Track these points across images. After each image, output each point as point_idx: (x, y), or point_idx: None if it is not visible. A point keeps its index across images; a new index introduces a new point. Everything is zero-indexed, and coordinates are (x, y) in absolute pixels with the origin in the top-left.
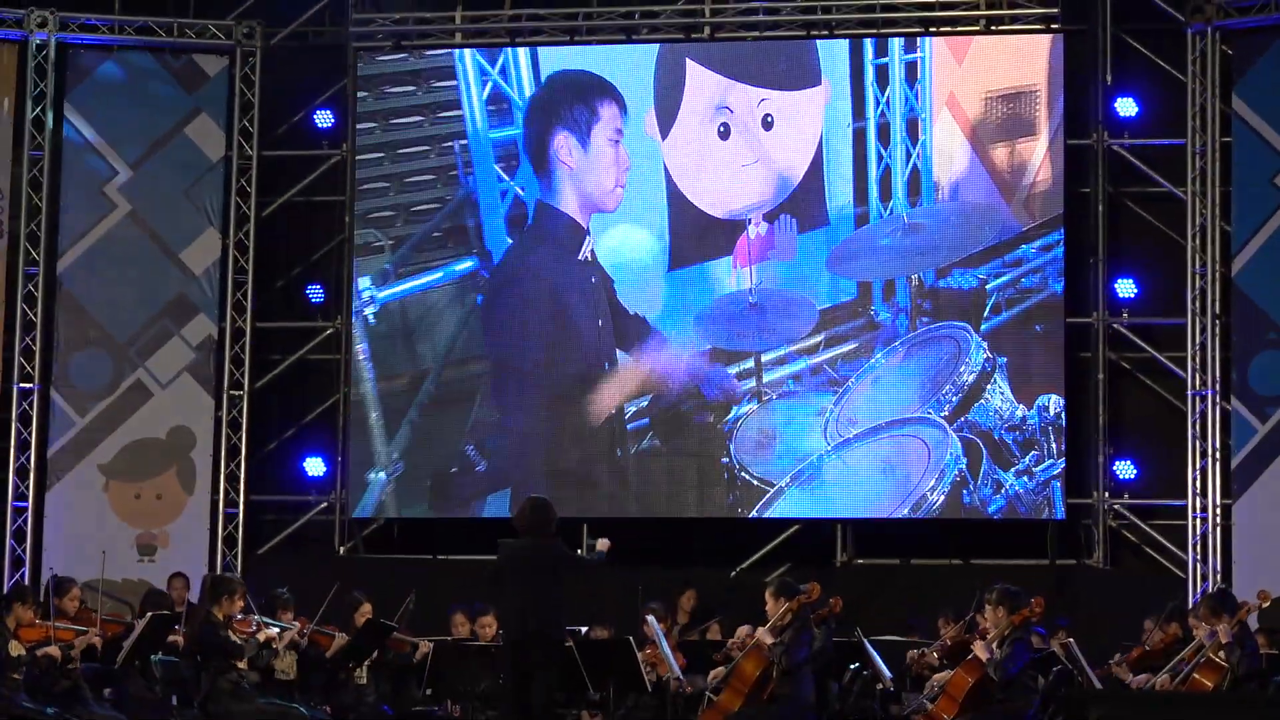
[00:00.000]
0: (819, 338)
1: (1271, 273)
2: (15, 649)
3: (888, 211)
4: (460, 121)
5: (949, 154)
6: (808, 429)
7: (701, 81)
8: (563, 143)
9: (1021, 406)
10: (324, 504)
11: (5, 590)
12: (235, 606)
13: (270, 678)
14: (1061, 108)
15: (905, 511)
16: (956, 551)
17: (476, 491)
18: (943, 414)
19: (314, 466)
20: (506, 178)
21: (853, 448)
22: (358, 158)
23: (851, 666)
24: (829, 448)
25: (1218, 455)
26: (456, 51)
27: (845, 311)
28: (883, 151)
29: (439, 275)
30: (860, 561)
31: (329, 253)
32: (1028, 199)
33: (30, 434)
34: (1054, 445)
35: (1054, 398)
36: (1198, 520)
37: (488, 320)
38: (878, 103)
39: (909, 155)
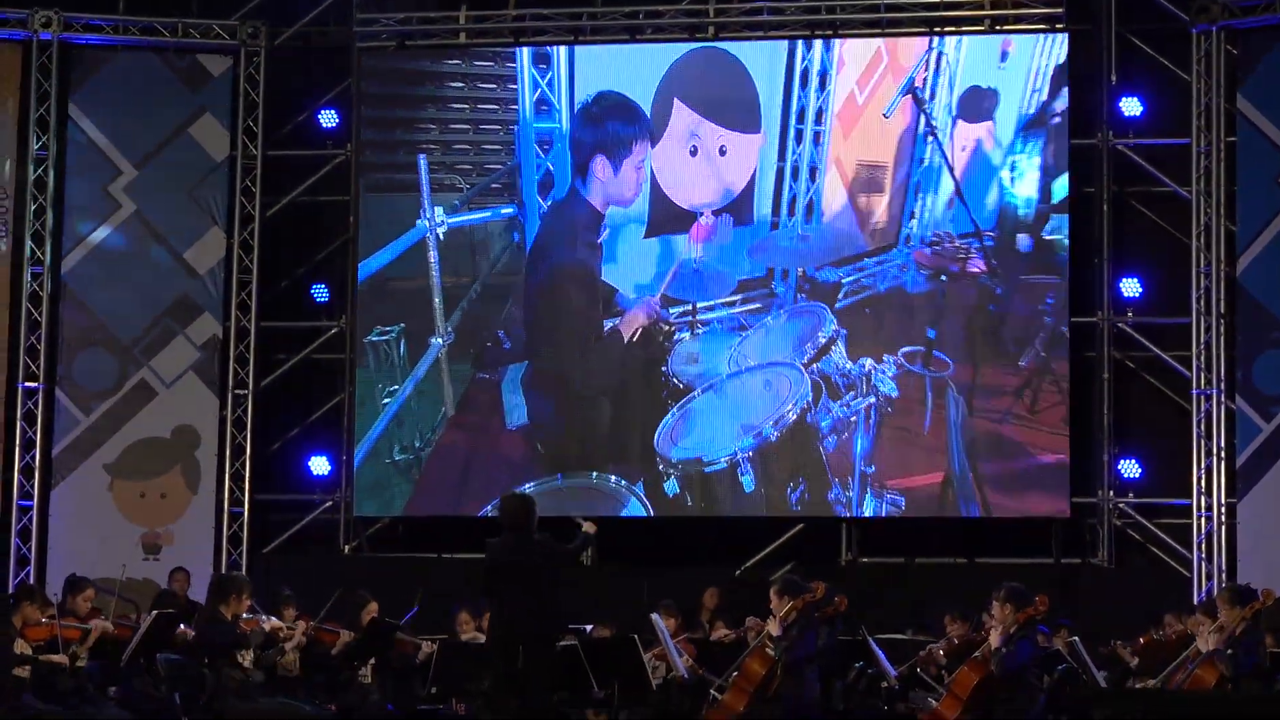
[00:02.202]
0: (734, 297)
1: (1276, 272)
2: (22, 648)
3: (791, 224)
4: (514, 113)
5: (832, 194)
6: (719, 357)
7: (682, 115)
8: (599, 164)
9: (850, 362)
10: (329, 503)
11: (10, 588)
12: (243, 606)
13: (275, 676)
14: (907, 172)
15: (771, 425)
16: (961, 550)
17: (504, 359)
18: (803, 361)
19: (319, 465)
20: (542, 155)
21: (743, 375)
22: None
23: (856, 665)
24: (730, 371)
25: (1223, 454)
26: (515, 52)
27: (754, 283)
28: (793, 184)
29: (489, 214)
30: (865, 560)
31: (333, 252)
32: (872, 231)
33: (35, 433)
34: (863, 387)
35: (869, 360)
36: (1202, 519)
37: (532, 261)
38: (794, 153)
39: (808, 190)
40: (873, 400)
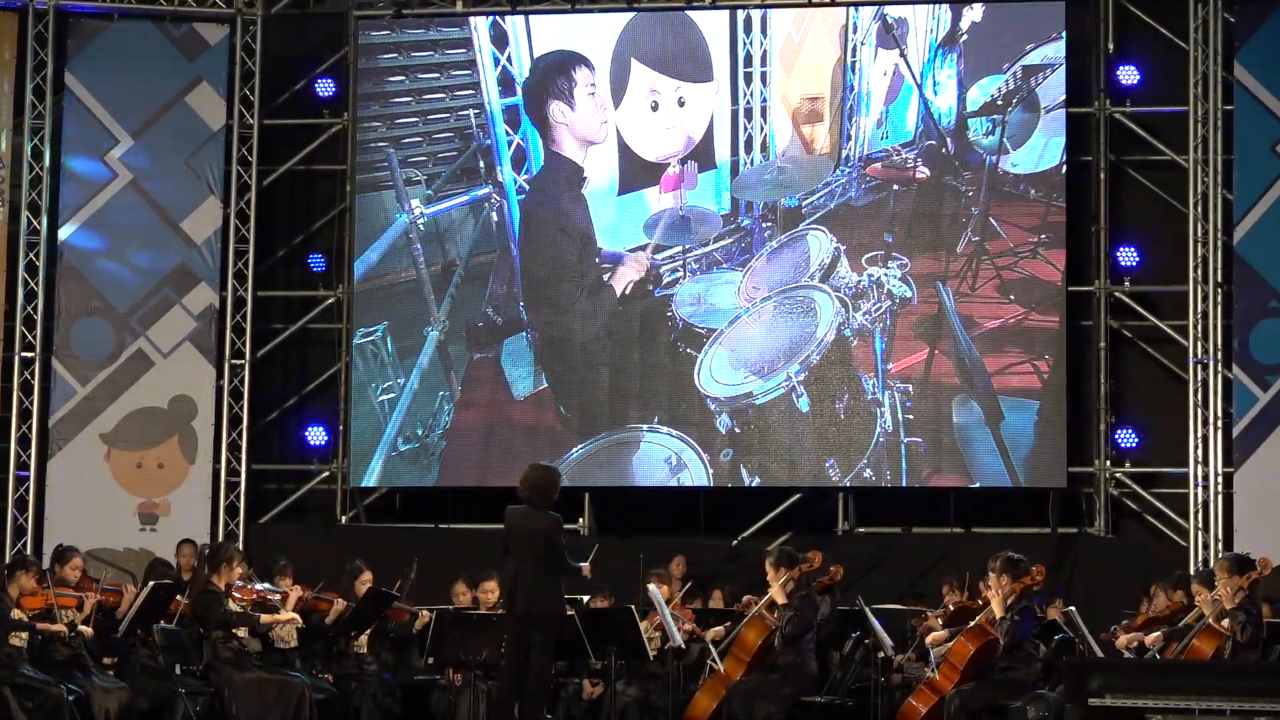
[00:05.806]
0: (723, 232)
1: (1273, 240)
2: (17, 617)
3: (749, 162)
4: (478, 94)
5: (783, 129)
6: (722, 293)
7: (641, 73)
8: (555, 109)
9: (854, 274)
10: (325, 473)
11: (7, 559)
12: (234, 574)
13: (271, 646)
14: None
15: (814, 348)
16: (958, 520)
17: (498, 335)
18: (816, 280)
19: (315, 435)
20: (512, 133)
21: (764, 305)
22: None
23: (853, 635)
24: (745, 305)
25: (1219, 423)
26: (477, 43)
27: (729, 219)
28: (747, 125)
29: (466, 199)
30: (861, 530)
31: (330, 222)
32: (819, 156)
33: (32, 403)
34: (875, 293)
35: (876, 269)
36: (1199, 488)
37: (525, 235)
38: (745, 96)
39: (761, 129)
40: (888, 304)
